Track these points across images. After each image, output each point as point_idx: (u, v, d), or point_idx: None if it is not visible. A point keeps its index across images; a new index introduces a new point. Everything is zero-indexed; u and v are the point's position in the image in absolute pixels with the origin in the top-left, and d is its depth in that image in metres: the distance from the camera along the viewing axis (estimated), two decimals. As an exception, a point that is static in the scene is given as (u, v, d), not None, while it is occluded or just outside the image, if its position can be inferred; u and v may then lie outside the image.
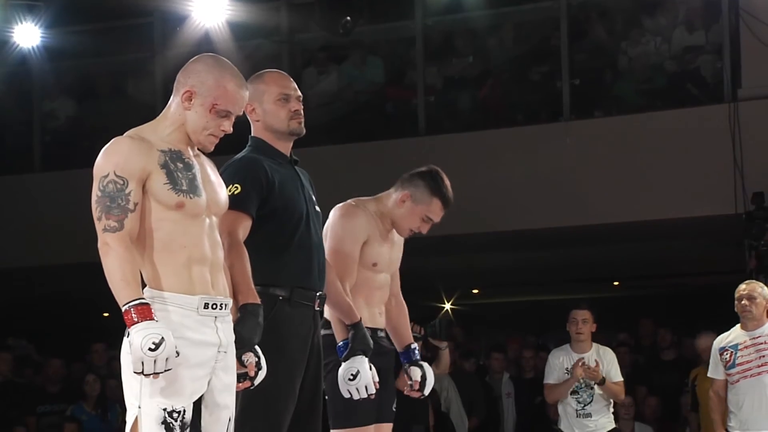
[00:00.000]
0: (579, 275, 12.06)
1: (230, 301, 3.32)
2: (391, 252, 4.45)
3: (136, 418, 3.15)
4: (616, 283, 12.86)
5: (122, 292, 3.08)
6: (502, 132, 9.39)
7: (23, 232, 10.04)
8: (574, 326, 6.76)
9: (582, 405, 6.66)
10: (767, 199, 8.25)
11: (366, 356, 4.07)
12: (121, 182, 3.14)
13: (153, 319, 3.06)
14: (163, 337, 3.03)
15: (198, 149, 3.35)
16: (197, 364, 3.19)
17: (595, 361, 6.64)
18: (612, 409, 6.75)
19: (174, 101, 3.31)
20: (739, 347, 6.30)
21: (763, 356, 6.23)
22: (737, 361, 6.29)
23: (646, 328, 9.93)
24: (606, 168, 8.92)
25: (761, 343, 6.25)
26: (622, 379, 6.72)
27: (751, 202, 8.28)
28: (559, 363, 6.77)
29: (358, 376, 4.04)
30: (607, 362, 6.69)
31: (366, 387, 4.05)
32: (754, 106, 8.59)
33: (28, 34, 9.20)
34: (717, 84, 9.07)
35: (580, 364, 6.61)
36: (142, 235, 3.18)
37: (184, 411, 3.15)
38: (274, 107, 3.91)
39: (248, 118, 3.96)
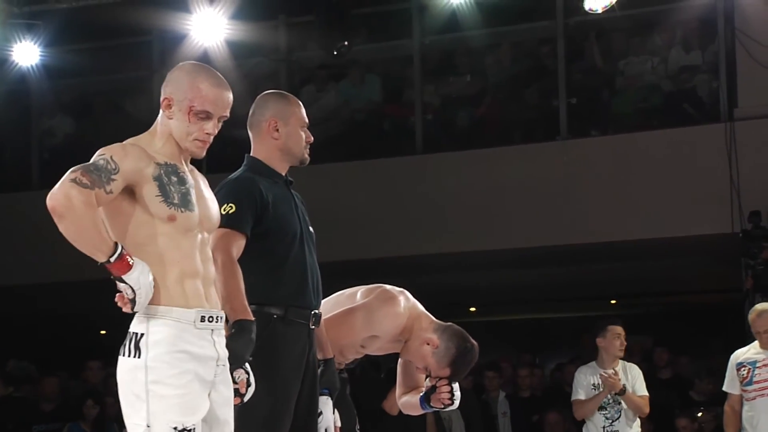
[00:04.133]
0: (575, 293, 12.06)
1: (224, 314, 3.30)
2: None
3: None
4: (612, 302, 12.87)
5: (106, 244, 3.06)
6: (498, 150, 9.41)
7: (21, 249, 10.04)
8: (618, 341, 6.74)
9: (610, 421, 6.67)
10: (764, 218, 8.26)
11: (332, 397, 3.98)
12: (113, 165, 3.11)
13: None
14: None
15: (191, 163, 3.32)
16: (200, 380, 3.17)
17: (614, 370, 6.67)
18: (639, 430, 6.76)
19: (160, 113, 3.30)
20: (758, 364, 6.30)
21: None
22: (755, 379, 6.28)
23: (643, 346, 9.93)
24: (602, 187, 8.94)
25: None
26: (647, 394, 6.73)
27: (747, 221, 8.29)
28: (587, 379, 6.78)
29: (320, 418, 3.93)
30: (633, 377, 6.73)
31: (326, 430, 3.94)
32: (751, 126, 8.62)
33: (27, 53, 9.22)
34: (713, 103, 9.11)
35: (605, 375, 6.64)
36: (136, 250, 3.14)
37: (194, 429, 3.12)
38: (298, 132, 3.96)
39: (258, 132, 3.95)
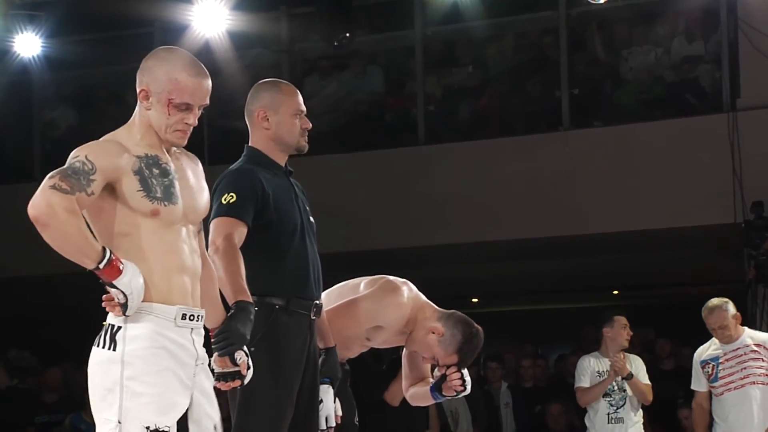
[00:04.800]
0: (578, 284, 12.06)
1: (204, 313, 3.19)
2: None
3: None
4: (615, 292, 12.87)
5: (93, 250, 2.96)
6: (501, 141, 9.40)
7: (23, 241, 10.02)
8: (625, 332, 6.79)
9: (614, 408, 6.69)
10: (766, 209, 8.25)
11: (333, 386, 3.96)
12: (90, 166, 3.02)
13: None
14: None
15: (177, 150, 3.24)
16: (179, 380, 3.08)
17: (623, 354, 6.71)
18: (642, 420, 6.77)
19: (138, 104, 3.21)
20: (720, 360, 6.30)
21: (745, 368, 6.23)
22: (720, 375, 6.29)
23: (646, 337, 9.93)
24: (605, 177, 8.93)
25: (741, 355, 6.26)
26: (649, 383, 6.78)
27: (750, 211, 8.28)
28: (591, 367, 6.81)
29: (321, 406, 3.91)
30: (635, 368, 6.77)
31: (327, 418, 3.92)
32: (753, 116, 8.61)
33: (28, 44, 9.21)
34: (716, 94, 9.09)
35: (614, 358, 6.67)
36: (118, 244, 3.06)
37: (169, 430, 3.03)
38: (290, 120, 3.93)
39: (251, 122, 3.96)
